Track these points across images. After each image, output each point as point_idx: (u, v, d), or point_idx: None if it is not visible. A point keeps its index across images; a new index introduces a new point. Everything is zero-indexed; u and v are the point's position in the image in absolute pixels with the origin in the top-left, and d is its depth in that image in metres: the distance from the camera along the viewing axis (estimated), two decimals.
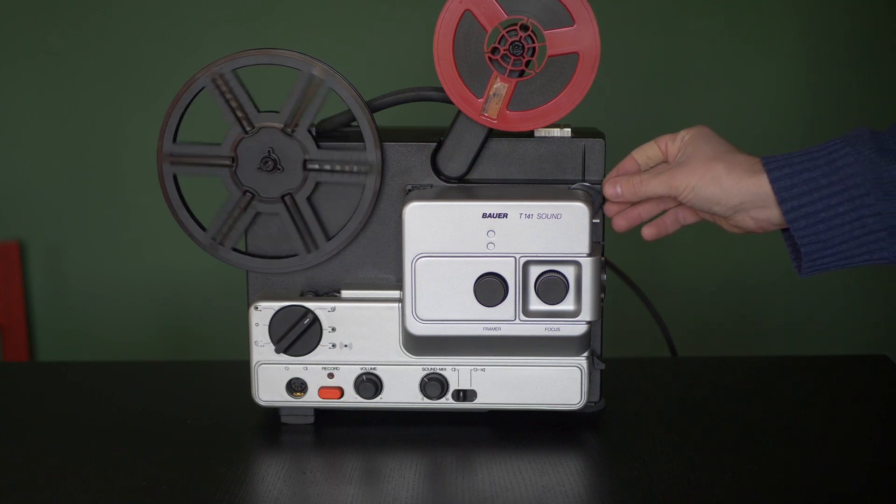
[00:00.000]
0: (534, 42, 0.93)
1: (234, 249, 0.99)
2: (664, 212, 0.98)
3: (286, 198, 0.97)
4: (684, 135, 0.95)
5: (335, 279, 1.00)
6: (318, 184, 0.97)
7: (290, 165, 0.97)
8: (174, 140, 0.97)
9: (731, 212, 0.91)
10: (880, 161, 0.86)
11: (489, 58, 0.94)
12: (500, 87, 0.92)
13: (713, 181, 0.91)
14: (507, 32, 0.93)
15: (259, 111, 0.96)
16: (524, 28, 0.93)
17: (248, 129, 0.96)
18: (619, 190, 0.95)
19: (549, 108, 0.95)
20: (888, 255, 0.89)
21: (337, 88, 0.95)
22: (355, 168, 0.96)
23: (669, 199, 0.96)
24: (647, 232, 0.98)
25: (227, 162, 0.96)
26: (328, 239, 0.98)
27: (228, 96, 0.95)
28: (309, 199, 0.97)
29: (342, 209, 0.99)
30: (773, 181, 0.89)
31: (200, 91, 0.96)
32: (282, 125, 0.96)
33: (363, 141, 0.96)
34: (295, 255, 0.99)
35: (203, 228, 0.98)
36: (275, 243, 1.00)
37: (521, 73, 0.95)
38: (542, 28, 0.93)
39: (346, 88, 0.95)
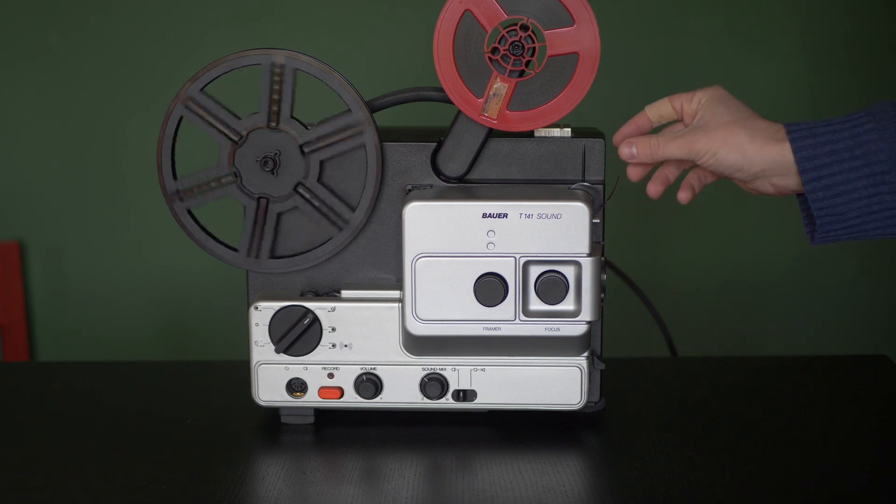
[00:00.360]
0: (534, 42, 0.93)
1: (190, 214, 0.99)
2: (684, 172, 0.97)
3: (298, 188, 0.97)
4: (701, 96, 0.94)
5: (335, 279, 1.00)
6: (322, 164, 0.97)
7: (288, 157, 0.97)
8: (174, 177, 0.97)
9: (751, 178, 0.92)
10: None
11: (489, 58, 0.94)
12: (500, 87, 0.92)
13: (735, 148, 0.91)
14: (507, 32, 0.93)
15: (239, 118, 0.96)
16: (524, 28, 0.93)
17: (236, 139, 0.96)
18: (634, 151, 0.94)
19: (549, 108, 0.95)
20: None
21: (301, 66, 0.95)
22: (348, 132, 0.96)
23: (687, 161, 0.95)
24: (683, 196, 0.98)
25: (231, 178, 0.97)
26: (353, 210, 0.98)
27: (206, 116, 0.96)
28: (320, 181, 0.97)
29: (354, 181, 0.98)
30: (795, 150, 0.89)
31: (180, 121, 0.96)
32: (265, 122, 0.96)
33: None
34: (328, 241, 0.99)
35: (234, 249, 0.98)
36: (289, 239, 0.99)
37: (521, 73, 0.95)
38: (542, 28, 0.93)
39: (310, 62, 0.95)
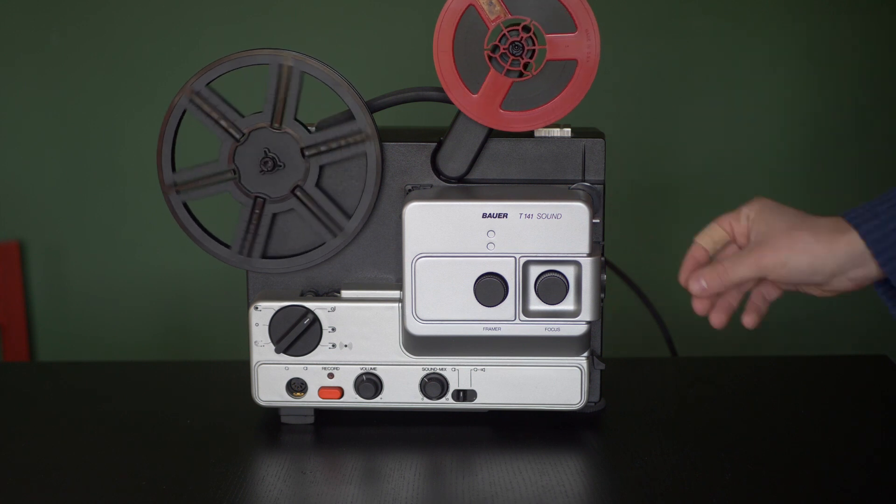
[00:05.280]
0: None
1: (186, 208, 0.99)
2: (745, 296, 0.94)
3: (296, 191, 0.97)
4: (747, 211, 0.91)
5: (335, 279, 1.00)
6: (322, 168, 0.97)
7: (289, 159, 0.97)
8: (173, 170, 0.97)
9: (827, 278, 0.87)
10: None
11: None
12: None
13: (803, 251, 0.86)
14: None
15: (243, 116, 0.96)
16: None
17: (238, 136, 0.96)
18: (704, 284, 0.91)
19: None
20: None
21: (309, 70, 0.95)
22: (351, 139, 0.96)
23: (752, 281, 0.92)
24: (749, 321, 0.94)
25: (230, 175, 0.97)
26: (349, 217, 0.98)
27: (210, 111, 0.96)
28: (318, 186, 0.97)
29: (352, 188, 0.98)
30: (864, 235, 0.85)
31: (184, 114, 0.96)
32: (269, 122, 0.96)
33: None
34: (322, 245, 0.99)
35: (226, 246, 0.98)
36: (287, 241, 0.99)
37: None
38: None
39: (319, 67, 0.95)
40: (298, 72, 0.95)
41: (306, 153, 0.96)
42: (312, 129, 0.97)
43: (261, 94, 0.96)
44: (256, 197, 0.97)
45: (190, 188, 0.97)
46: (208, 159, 0.97)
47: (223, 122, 0.96)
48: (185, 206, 0.98)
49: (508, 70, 0.94)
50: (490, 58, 0.94)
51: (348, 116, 0.98)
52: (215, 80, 0.96)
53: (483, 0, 0.92)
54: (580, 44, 0.93)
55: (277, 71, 0.95)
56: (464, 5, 0.93)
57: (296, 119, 0.96)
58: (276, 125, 0.96)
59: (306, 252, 0.99)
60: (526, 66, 0.94)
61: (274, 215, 0.98)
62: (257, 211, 0.97)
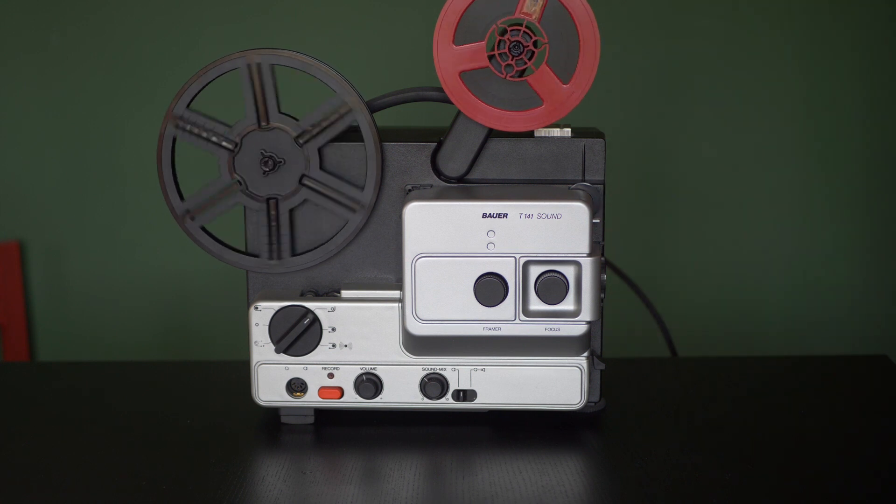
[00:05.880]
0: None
1: (204, 229, 0.99)
2: None
3: (271, 200, 0.97)
4: None
5: (335, 279, 1.00)
6: (321, 152, 0.97)
7: (287, 173, 0.97)
8: (181, 198, 0.97)
9: None
10: None
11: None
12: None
13: None
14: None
15: (230, 126, 0.96)
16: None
17: (262, 123, 0.96)
18: None
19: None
20: None
21: (360, 122, 0.95)
22: (347, 202, 0.97)
23: None
24: None
25: (231, 146, 0.96)
26: (294, 255, 0.98)
27: (257, 86, 0.95)
28: (292, 210, 0.98)
29: (320, 229, 0.99)
30: None
31: (230, 71, 0.96)
32: (296, 134, 0.96)
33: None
34: (257, 256, 0.99)
35: (182, 198, 0.98)
36: (306, 233, 0.99)
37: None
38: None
39: (369, 124, 0.96)
40: (268, 66, 0.95)
41: (300, 141, 0.96)
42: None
43: (286, 94, 0.96)
44: (269, 199, 0.97)
45: (203, 212, 0.97)
46: (211, 162, 0.97)
47: (213, 138, 0.96)
48: (204, 229, 0.98)
49: (494, 57, 0.94)
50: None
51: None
52: (194, 100, 0.96)
53: None
54: (579, 78, 0.93)
55: (247, 71, 0.95)
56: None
57: (281, 112, 0.96)
58: (264, 123, 0.96)
59: (333, 237, 0.99)
60: (508, 67, 0.94)
61: (290, 211, 0.98)
62: (273, 212, 0.97)
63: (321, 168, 0.97)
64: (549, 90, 0.94)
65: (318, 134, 0.96)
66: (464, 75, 0.95)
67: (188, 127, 0.96)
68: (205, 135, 0.96)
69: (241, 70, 0.95)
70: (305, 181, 0.97)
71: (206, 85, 0.96)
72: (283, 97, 0.97)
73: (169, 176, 0.98)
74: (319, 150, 0.97)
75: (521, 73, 0.94)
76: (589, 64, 0.94)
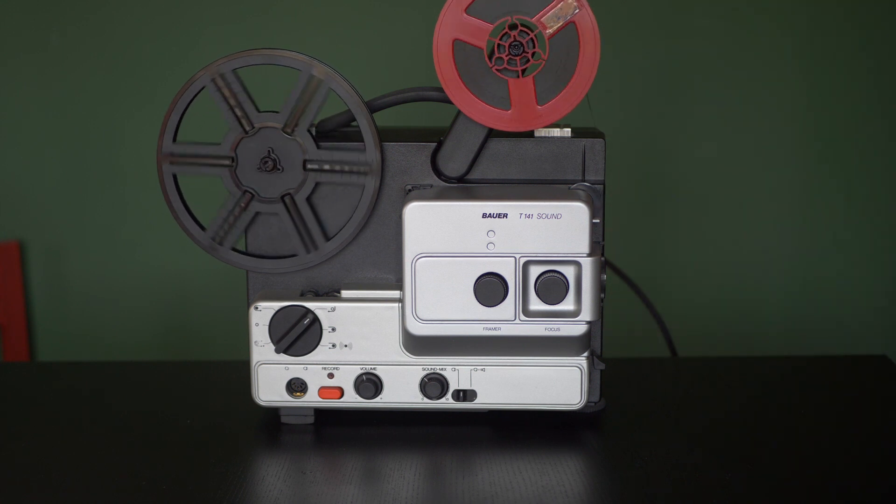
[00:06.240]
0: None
1: (234, 249, 0.99)
2: None
3: (286, 198, 0.97)
4: None
5: (335, 279, 1.00)
6: (317, 184, 0.97)
7: (289, 165, 0.97)
8: (174, 140, 0.97)
9: None
10: None
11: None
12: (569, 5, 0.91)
13: None
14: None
15: (259, 111, 0.96)
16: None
17: (248, 129, 0.96)
18: None
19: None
20: None
21: (336, 88, 0.95)
22: (355, 168, 0.97)
23: None
24: None
25: (227, 162, 0.96)
26: (327, 239, 0.98)
27: (228, 96, 0.95)
28: (309, 199, 0.97)
29: (342, 209, 0.99)
30: None
31: (200, 91, 0.96)
32: (281, 125, 0.96)
33: (363, 141, 0.96)
34: (294, 256, 0.99)
35: (203, 228, 0.98)
36: (274, 243, 1.00)
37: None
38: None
39: (346, 89, 0.95)
40: (326, 87, 0.95)
41: (308, 166, 0.96)
42: (313, 129, 0.97)
43: (271, 95, 0.96)
44: (246, 191, 0.97)
45: (184, 162, 0.97)
46: (214, 185, 0.97)
47: (237, 111, 0.96)
48: (175, 178, 0.98)
49: (506, 69, 0.94)
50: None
51: (349, 118, 0.98)
52: (242, 69, 0.96)
53: None
54: (580, 77, 0.93)
55: (307, 80, 0.95)
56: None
57: (260, 111, 0.96)
58: (289, 131, 0.96)
59: (276, 258, 0.99)
60: (524, 71, 0.94)
61: (256, 214, 0.98)
62: (242, 205, 0.97)
63: (318, 148, 0.97)
64: (522, 101, 0.94)
65: (326, 171, 0.96)
66: (458, 61, 0.94)
67: (182, 160, 0.96)
68: (232, 102, 0.96)
69: (302, 74, 0.95)
70: (309, 165, 0.97)
71: (184, 112, 0.96)
72: (265, 97, 0.97)
73: (183, 213, 0.98)
74: (310, 133, 0.96)
75: (506, 72, 0.94)
76: (570, 100, 0.94)
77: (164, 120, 0.96)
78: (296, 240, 0.98)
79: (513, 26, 0.93)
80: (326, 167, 0.96)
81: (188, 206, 0.98)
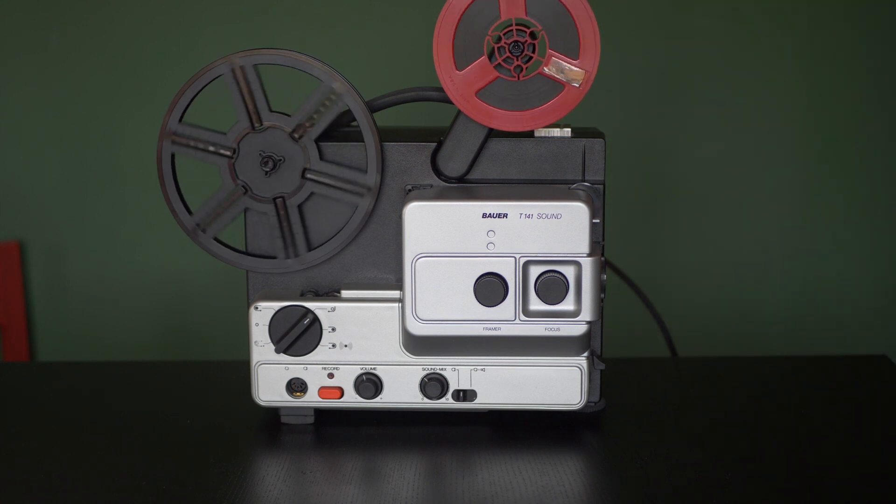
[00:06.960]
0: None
1: (216, 239, 0.99)
2: None
3: (278, 200, 0.97)
4: None
5: (335, 279, 1.00)
6: (318, 144, 0.97)
7: (289, 170, 0.97)
8: (189, 213, 0.97)
9: None
10: None
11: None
12: (569, 71, 0.91)
13: None
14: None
15: (271, 110, 0.96)
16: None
17: (256, 125, 0.96)
18: None
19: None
20: None
21: (352, 106, 0.95)
22: (353, 189, 0.97)
23: None
24: None
25: (229, 153, 0.96)
26: (310, 249, 0.98)
27: (244, 89, 0.95)
28: (300, 206, 0.98)
29: (331, 220, 0.99)
30: None
31: (217, 78, 0.96)
32: (290, 129, 0.96)
33: (363, 141, 0.96)
34: (274, 258, 0.99)
35: (190, 213, 0.98)
36: (271, 241, 1.00)
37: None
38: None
39: (360, 107, 0.95)
40: (251, 67, 0.95)
41: (296, 136, 0.96)
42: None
43: (271, 95, 0.96)
44: (275, 199, 0.97)
45: (186, 144, 0.97)
46: (212, 176, 0.97)
47: (210, 148, 0.96)
48: (172, 158, 0.98)
49: (500, 65, 0.94)
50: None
51: (349, 119, 0.98)
52: (186, 112, 0.96)
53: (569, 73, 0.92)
54: (578, 71, 0.93)
55: (232, 76, 0.95)
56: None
57: (272, 111, 0.96)
58: (257, 125, 0.96)
59: (256, 256, 0.99)
60: (517, 68, 0.94)
61: (299, 207, 0.98)
62: (282, 211, 0.97)
63: (322, 159, 0.97)
64: (522, 101, 0.94)
65: (312, 125, 0.96)
66: (480, 93, 0.94)
67: (184, 141, 0.96)
68: (201, 146, 0.96)
69: (225, 75, 0.95)
70: (308, 174, 0.97)
71: (195, 96, 0.96)
72: (274, 97, 0.97)
73: (173, 192, 0.98)
74: (317, 143, 0.96)
75: (531, 70, 0.94)
76: (570, 100, 0.94)
77: (174, 99, 0.96)
78: (278, 243, 0.98)
79: (497, 39, 0.93)
80: (325, 181, 0.96)
81: (179, 188, 0.98)
